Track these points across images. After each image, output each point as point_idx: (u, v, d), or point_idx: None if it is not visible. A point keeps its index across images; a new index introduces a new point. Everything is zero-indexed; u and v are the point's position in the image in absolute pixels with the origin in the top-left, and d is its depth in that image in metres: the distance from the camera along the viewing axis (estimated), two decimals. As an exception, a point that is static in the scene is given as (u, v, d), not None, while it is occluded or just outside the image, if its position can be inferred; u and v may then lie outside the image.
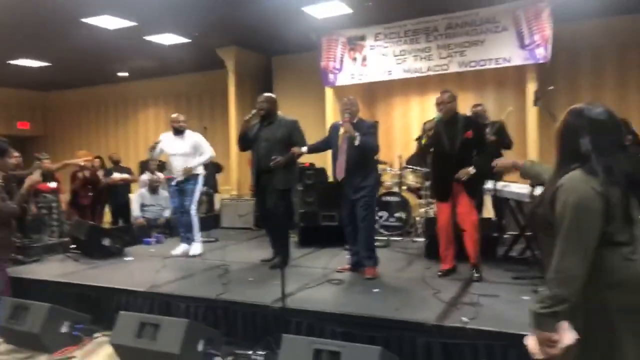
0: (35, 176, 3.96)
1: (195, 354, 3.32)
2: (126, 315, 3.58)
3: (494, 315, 3.33)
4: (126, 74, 11.22)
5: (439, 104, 4.38)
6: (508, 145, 5.96)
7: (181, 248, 5.80)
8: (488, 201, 5.92)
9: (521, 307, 3.33)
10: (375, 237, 4.88)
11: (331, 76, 8.42)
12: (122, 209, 8.23)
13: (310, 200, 6.43)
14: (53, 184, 7.02)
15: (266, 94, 5.11)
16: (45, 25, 7.38)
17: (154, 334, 3.32)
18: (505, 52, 7.15)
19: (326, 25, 7.82)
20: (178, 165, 5.65)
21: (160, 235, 6.93)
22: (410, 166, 6.99)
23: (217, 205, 8.65)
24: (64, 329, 3.85)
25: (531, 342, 1.75)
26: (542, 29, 6.88)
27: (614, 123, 1.79)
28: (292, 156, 4.81)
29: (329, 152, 4.79)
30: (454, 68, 7.54)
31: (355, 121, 4.48)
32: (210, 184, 7.96)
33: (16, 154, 6.87)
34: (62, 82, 11.95)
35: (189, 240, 5.78)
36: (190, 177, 5.65)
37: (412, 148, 7.36)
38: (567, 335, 1.68)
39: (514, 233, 5.21)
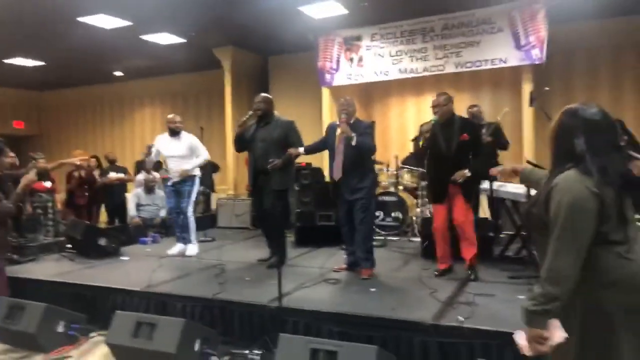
0: (31, 175, 3.95)
1: (192, 353, 3.31)
2: (122, 314, 3.57)
3: (490, 314, 3.35)
4: (122, 74, 11.19)
5: (434, 106, 4.40)
6: (504, 146, 5.99)
7: (177, 248, 5.79)
8: (484, 201, 5.94)
9: (517, 306, 3.26)
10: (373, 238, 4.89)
11: (328, 76, 8.42)
12: (118, 209, 8.21)
13: (307, 200, 6.43)
14: (48, 184, 7.01)
15: (263, 94, 5.11)
16: (41, 24, 7.35)
17: (150, 333, 3.31)
18: (501, 53, 7.18)
19: (322, 25, 7.83)
20: (174, 167, 5.65)
21: (156, 234, 6.92)
22: (407, 166, 7.00)
23: (213, 205, 8.65)
24: (60, 328, 3.84)
25: (521, 339, 1.77)
26: (538, 30, 6.91)
27: (609, 123, 1.80)
28: (290, 157, 4.81)
29: (326, 153, 4.80)
30: (450, 69, 7.57)
31: (352, 121, 4.48)
32: (207, 183, 7.95)
33: (12, 153, 6.85)
34: (57, 82, 11.91)
35: (185, 239, 5.77)
36: (186, 178, 5.65)
37: (409, 148, 7.39)
38: (558, 334, 1.69)
39: (510, 233, 5.23)
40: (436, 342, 3.14)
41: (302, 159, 5.78)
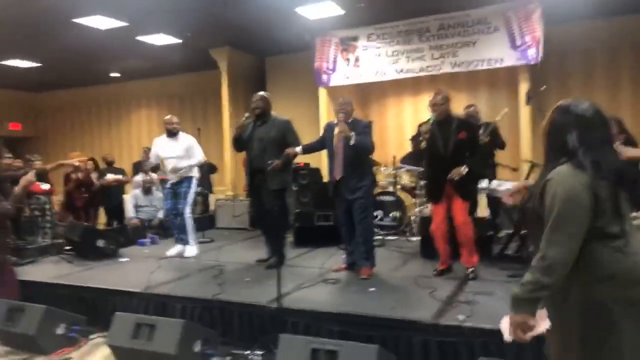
0: (30, 176, 3.94)
1: (192, 354, 3.32)
2: (122, 316, 3.57)
3: (490, 313, 3.35)
4: (118, 75, 11.16)
5: (432, 105, 4.41)
6: (501, 146, 6.01)
7: (176, 249, 5.79)
8: (482, 200, 5.95)
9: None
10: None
11: (324, 77, 8.43)
12: (116, 210, 8.20)
13: (306, 200, 6.44)
14: (46, 186, 6.99)
15: (261, 93, 5.12)
16: (36, 25, 7.33)
17: (150, 334, 3.32)
18: (497, 53, 7.20)
19: (319, 26, 7.83)
20: (172, 168, 5.64)
21: (154, 236, 6.91)
22: (405, 165, 7.02)
23: (212, 206, 8.64)
24: (60, 330, 3.84)
25: (504, 324, 1.78)
26: (533, 30, 6.93)
27: (601, 119, 1.81)
28: (287, 157, 4.81)
29: (324, 152, 4.81)
30: (446, 69, 7.57)
31: (350, 121, 4.49)
32: (205, 184, 7.95)
33: (9, 155, 6.84)
34: (54, 83, 11.87)
35: (184, 241, 5.77)
36: (183, 179, 5.64)
37: (406, 148, 7.40)
38: (543, 323, 1.71)
39: (509, 232, 5.25)
40: (436, 341, 3.16)
41: (301, 159, 5.78)
